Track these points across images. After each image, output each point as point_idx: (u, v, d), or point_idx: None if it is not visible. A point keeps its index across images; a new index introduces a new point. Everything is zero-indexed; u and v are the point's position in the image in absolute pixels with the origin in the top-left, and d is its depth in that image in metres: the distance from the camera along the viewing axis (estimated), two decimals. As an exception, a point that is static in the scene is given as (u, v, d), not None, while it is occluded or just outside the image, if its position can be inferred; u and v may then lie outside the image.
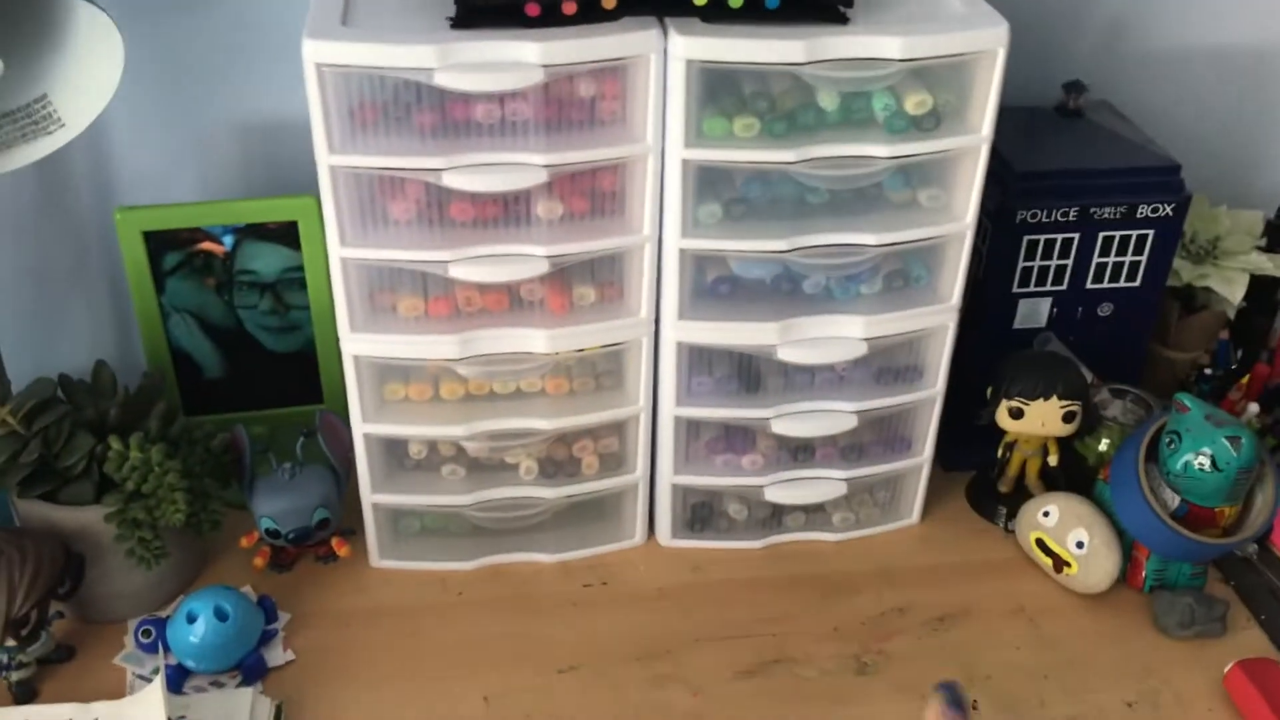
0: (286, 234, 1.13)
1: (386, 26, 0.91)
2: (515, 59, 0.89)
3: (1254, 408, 1.25)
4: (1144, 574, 1.11)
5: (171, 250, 1.12)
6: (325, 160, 0.92)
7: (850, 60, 0.92)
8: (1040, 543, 1.14)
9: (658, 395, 1.08)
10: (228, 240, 1.13)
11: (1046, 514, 1.14)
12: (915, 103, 0.95)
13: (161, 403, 1.06)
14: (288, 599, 1.09)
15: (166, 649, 1.01)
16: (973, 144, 0.99)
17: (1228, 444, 1.02)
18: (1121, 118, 1.25)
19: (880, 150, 0.96)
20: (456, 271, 0.97)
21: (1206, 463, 1.03)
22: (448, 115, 0.93)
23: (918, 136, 0.97)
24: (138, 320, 1.14)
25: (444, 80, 0.89)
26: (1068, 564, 1.11)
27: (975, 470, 1.26)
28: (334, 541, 1.12)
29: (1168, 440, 1.06)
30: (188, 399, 1.19)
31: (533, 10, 0.91)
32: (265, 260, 1.14)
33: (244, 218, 1.12)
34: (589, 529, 1.15)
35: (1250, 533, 1.07)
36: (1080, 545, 1.10)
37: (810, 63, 0.91)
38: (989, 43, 0.94)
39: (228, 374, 1.19)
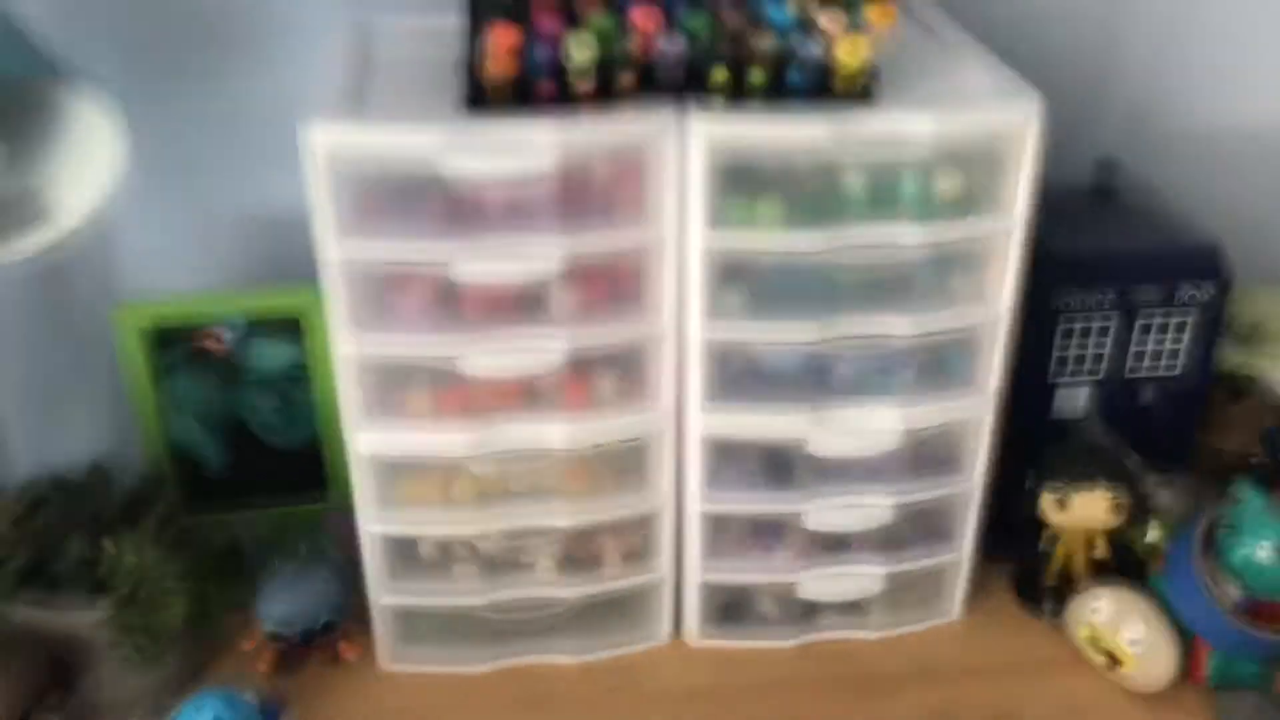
0: (291, 329, 1.09)
1: (396, 107, 0.88)
2: (527, 144, 0.86)
3: (1311, 495, 1.18)
4: (1206, 671, 1.04)
5: (172, 346, 1.08)
6: (329, 250, 0.88)
7: (877, 141, 0.88)
8: (1092, 639, 1.07)
9: (683, 488, 1.03)
10: (230, 336, 1.09)
11: (1097, 608, 1.07)
12: (946, 185, 0.91)
13: (160, 503, 1.02)
14: (294, 703, 1.03)
15: (164, 763, 0.96)
16: (1006, 227, 0.94)
17: (1292, 534, 0.96)
18: (1158, 196, 1.20)
19: (910, 235, 0.92)
20: (467, 365, 0.92)
21: (1268, 555, 0.97)
22: (458, 200, 0.89)
23: (949, 221, 0.92)
24: (136, 418, 1.10)
25: (453, 166, 0.85)
26: (1121, 661, 1.04)
27: (1019, 559, 1.19)
28: (341, 645, 1.06)
29: (1226, 531, 1.00)
30: (191, 496, 1.15)
31: (548, 91, 0.88)
32: (269, 356, 1.10)
33: (246, 313, 1.08)
34: (612, 627, 1.09)
35: (1319, 629, 1.00)
36: (1135, 641, 1.04)
37: (835, 145, 0.87)
38: (1021, 115, 0.90)
39: (232, 471, 1.15)
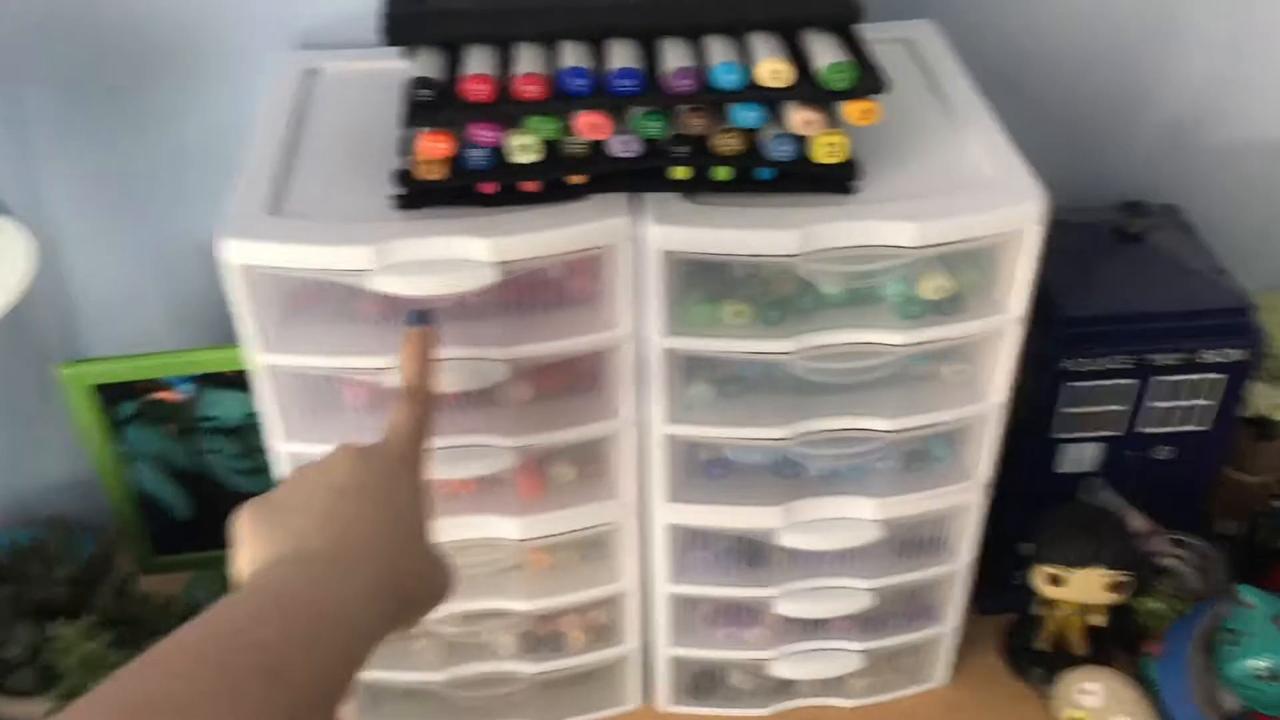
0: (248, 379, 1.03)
1: (322, 211, 0.80)
2: (463, 257, 0.78)
3: (1333, 557, 1.11)
4: (1194, 768, 0.99)
5: (127, 400, 1.04)
6: (258, 360, 0.82)
7: (855, 249, 0.79)
8: (1078, 724, 1.02)
9: (648, 571, 0.98)
10: (186, 388, 1.04)
11: (1086, 693, 1.02)
12: (933, 288, 0.82)
13: (113, 573, 0.99)
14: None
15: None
16: (1001, 325, 0.85)
17: (1295, 656, 0.89)
18: (1188, 233, 1.09)
19: (892, 338, 0.83)
20: (412, 470, 0.87)
21: (1268, 673, 0.90)
22: (394, 301, 0.82)
23: (936, 321, 0.84)
24: (97, 472, 1.07)
25: (382, 285, 0.78)
26: (1108, 754, 1.00)
27: (1016, 614, 1.14)
28: (304, 713, 1.04)
29: (1226, 640, 0.93)
30: (159, 540, 1.12)
31: (488, 189, 0.80)
32: (227, 406, 1.05)
33: (199, 368, 1.03)
34: (579, 697, 1.06)
35: (1320, 745, 0.94)
36: (1123, 737, 0.99)
37: (805, 254, 0.79)
38: (1021, 221, 0.80)
39: (200, 514, 1.12)
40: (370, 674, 1.01)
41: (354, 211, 0.80)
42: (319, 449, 0.84)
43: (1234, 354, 1.01)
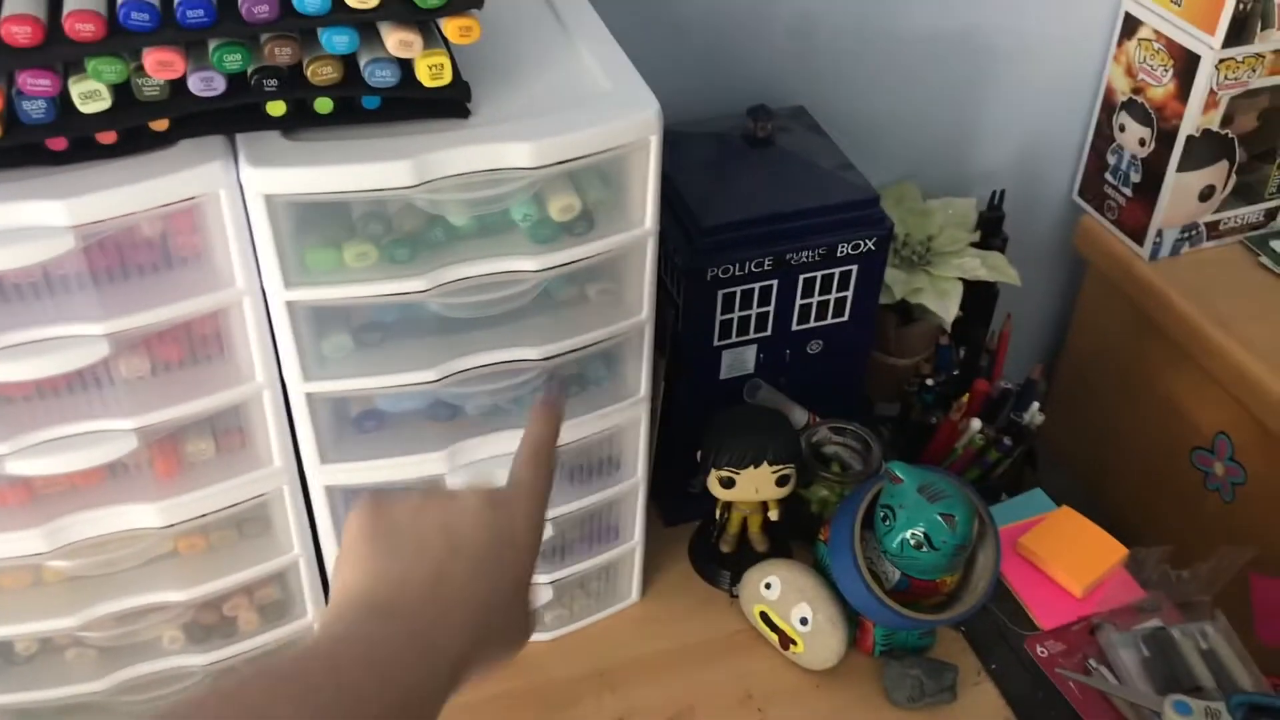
0: None
1: None
2: (34, 224, 0.69)
3: (976, 424, 1.19)
4: (873, 639, 1.05)
5: None
6: None
7: (474, 174, 0.76)
8: (765, 616, 1.06)
9: (317, 537, 0.93)
10: None
11: (768, 585, 1.05)
12: (561, 208, 0.80)
13: None
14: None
15: None
16: (636, 239, 0.85)
17: (942, 522, 0.95)
18: (817, 132, 1.13)
19: (528, 264, 0.81)
20: (16, 467, 0.77)
21: (921, 542, 0.96)
22: (-37, 283, 0.72)
23: (570, 242, 0.82)
24: None
25: (-64, 264, 0.68)
26: (794, 641, 1.04)
27: (699, 522, 1.16)
28: (-56, 753, 0.93)
29: (882, 515, 0.98)
30: None
31: (58, 145, 0.71)
32: None
33: None
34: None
35: (973, 600, 1.00)
36: (805, 622, 1.03)
37: (422, 184, 0.75)
38: (639, 131, 0.79)
39: None
40: (14, 696, 0.91)
41: (-105, 184, 0.69)
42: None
43: (866, 244, 1.05)
